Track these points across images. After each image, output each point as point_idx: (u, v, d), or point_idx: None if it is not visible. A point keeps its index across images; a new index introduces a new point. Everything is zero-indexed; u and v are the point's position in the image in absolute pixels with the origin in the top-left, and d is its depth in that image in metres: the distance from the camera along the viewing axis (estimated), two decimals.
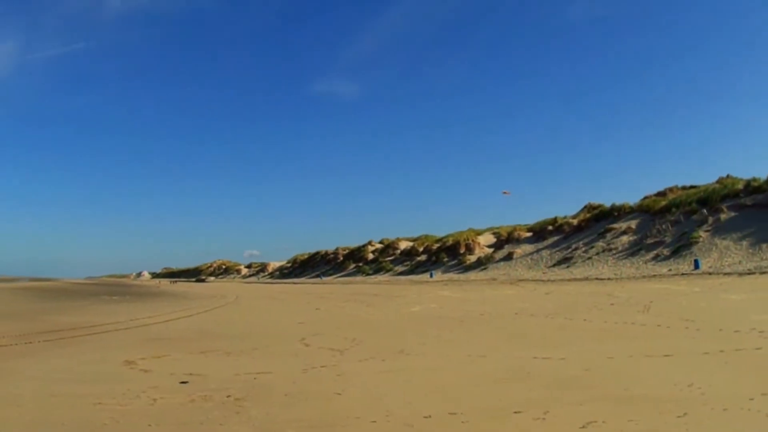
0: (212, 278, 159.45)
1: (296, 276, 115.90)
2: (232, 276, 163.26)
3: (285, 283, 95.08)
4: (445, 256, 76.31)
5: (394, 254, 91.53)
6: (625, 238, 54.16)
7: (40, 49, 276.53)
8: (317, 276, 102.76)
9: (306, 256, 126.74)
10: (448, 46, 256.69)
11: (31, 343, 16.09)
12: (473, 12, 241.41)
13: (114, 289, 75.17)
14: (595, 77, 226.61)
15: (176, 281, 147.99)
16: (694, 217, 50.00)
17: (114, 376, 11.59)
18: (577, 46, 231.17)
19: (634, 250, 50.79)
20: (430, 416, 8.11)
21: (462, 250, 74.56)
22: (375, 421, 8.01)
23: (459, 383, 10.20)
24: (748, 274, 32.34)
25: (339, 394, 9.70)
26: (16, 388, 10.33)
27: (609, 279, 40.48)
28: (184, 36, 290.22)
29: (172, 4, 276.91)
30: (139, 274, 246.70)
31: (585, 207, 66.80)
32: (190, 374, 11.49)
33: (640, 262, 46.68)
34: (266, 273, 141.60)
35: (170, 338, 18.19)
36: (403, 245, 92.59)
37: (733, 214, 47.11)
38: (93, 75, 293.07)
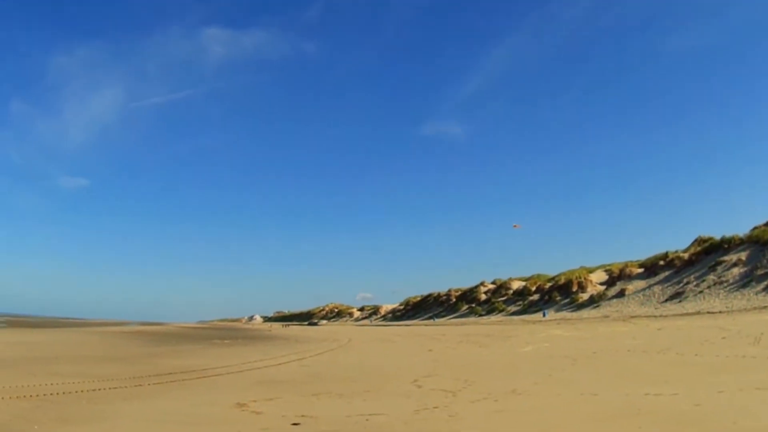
0: (324, 322, 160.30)
1: (409, 318, 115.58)
2: (344, 319, 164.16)
3: (398, 325, 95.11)
4: (557, 294, 74.80)
5: (506, 294, 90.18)
6: (735, 270, 51.77)
7: (144, 97, 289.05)
8: (430, 318, 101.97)
9: (418, 298, 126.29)
10: (552, 83, 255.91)
11: (140, 386, 16.16)
12: (576, 47, 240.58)
13: (225, 333, 76.53)
14: (699, 106, 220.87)
15: (288, 325, 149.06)
16: None
17: (225, 418, 11.50)
18: (677, 75, 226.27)
19: (745, 281, 48.43)
20: None
21: (574, 289, 72.86)
22: None
23: (570, 422, 10.15)
24: None
25: None
26: (125, 429, 10.25)
27: (720, 312, 39.05)
28: (289, 80, 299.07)
29: (276, 50, 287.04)
30: (251, 318, 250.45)
31: (695, 240, 64.71)
32: (302, 416, 11.34)
33: (751, 294, 44.55)
34: (379, 316, 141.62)
35: (282, 381, 18.08)
36: (516, 285, 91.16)
37: None
38: (197, 121, 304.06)
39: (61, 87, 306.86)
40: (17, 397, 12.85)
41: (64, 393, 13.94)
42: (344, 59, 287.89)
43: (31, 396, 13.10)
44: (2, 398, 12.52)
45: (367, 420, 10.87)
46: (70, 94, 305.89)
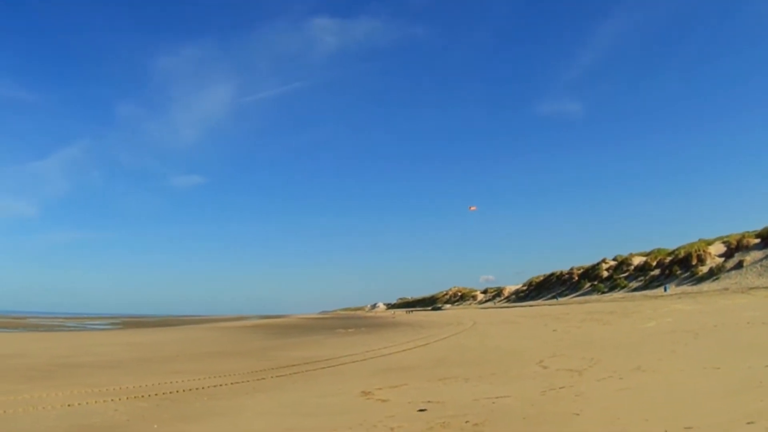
0: (448, 306, 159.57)
1: (532, 299, 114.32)
2: (467, 302, 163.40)
3: (521, 306, 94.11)
4: (677, 268, 72.82)
5: (628, 270, 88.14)
6: None
7: (255, 91, 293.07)
8: (553, 297, 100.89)
9: (541, 278, 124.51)
10: (664, 54, 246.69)
11: (263, 379, 16.36)
12: (685, 16, 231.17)
13: (348, 322, 77.51)
14: None
15: (412, 311, 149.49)
16: None
17: (350, 407, 11.44)
18: None
19: None
20: None
21: (694, 262, 70.78)
22: None
23: (694, 397, 10.06)
24: None
25: (577, 414, 9.47)
26: (248, 423, 10.29)
27: None
28: (401, 67, 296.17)
29: (386, 37, 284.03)
30: (374, 306, 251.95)
31: None
32: (428, 402, 11.25)
33: None
34: (502, 297, 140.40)
35: (407, 367, 18.04)
36: (637, 261, 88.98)
37: None
38: (311, 112, 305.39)
39: (168, 87, 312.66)
40: (135, 397, 13.19)
41: (183, 390, 14.24)
42: (455, 42, 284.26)
43: (150, 395, 13.42)
44: (120, 399, 12.85)
45: (493, 403, 10.70)
46: (179, 93, 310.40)
